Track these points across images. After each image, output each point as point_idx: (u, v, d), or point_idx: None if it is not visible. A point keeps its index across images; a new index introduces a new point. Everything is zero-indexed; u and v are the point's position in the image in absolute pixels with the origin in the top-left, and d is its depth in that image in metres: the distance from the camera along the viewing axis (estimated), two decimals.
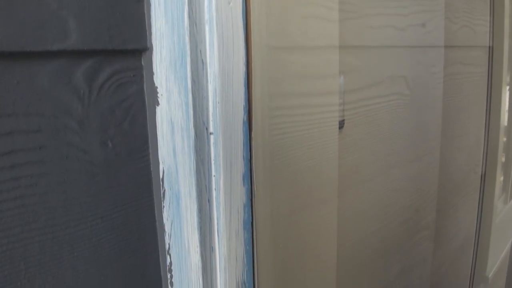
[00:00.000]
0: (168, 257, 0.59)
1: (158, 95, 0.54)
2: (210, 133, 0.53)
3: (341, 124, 0.90)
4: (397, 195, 1.08)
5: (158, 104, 0.54)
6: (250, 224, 0.59)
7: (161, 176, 0.57)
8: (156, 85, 0.54)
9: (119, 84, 0.60)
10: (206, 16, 0.51)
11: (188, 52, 0.50)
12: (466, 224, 1.53)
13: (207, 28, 0.51)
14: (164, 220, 0.58)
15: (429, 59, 1.09)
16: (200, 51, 0.51)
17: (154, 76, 0.54)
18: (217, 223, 0.56)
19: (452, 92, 1.21)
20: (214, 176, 0.54)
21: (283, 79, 0.63)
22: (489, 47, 1.44)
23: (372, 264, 1.04)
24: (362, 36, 0.90)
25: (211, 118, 0.53)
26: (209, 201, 0.55)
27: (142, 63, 0.60)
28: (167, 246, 0.58)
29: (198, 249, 0.55)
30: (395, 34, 0.96)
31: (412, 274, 1.21)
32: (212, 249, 0.56)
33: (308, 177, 0.70)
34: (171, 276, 0.59)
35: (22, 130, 0.52)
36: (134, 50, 0.60)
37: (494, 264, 1.79)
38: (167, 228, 0.58)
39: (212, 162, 0.54)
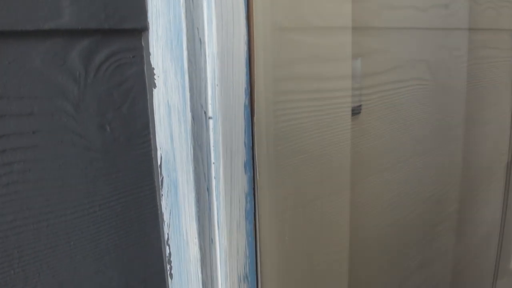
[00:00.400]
0: (167, 247, 0.56)
1: (155, 76, 0.51)
2: (209, 118, 0.50)
3: (358, 110, 0.85)
4: (417, 185, 1.03)
5: (155, 86, 0.51)
6: (253, 215, 0.55)
7: (159, 163, 0.54)
8: (153, 66, 0.51)
9: (117, 66, 0.57)
10: None
11: (184, 30, 0.46)
12: (490, 215, 1.46)
13: (205, 4, 0.47)
14: (163, 209, 0.55)
15: (452, 42, 1.03)
16: (198, 29, 0.48)
17: (151, 57, 0.51)
18: (217, 213, 0.53)
19: (476, 77, 1.15)
20: (213, 163, 0.51)
21: (291, 62, 0.59)
22: None
23: (389, 256, 1.00)
24: (381, 16, 0.85)
25: (209, 101, 0.50)
26: (208, 189, 0.52)
27: (142, 43, 0.57)
28: (166, 236, 0.56)
29: (196, 240, 0.52)
30: (416, 15, 0.91)
31: (432, 267, 1.16)
32: (211, 240, 0.53)
33: (318, 167, 0.66)
34: (171, 268, 0.56)
35: (14, 113, 0.50)
36: (133, 30, 0.57)
37: None
38: (165, 217, 0.55)
39: (211, 148, 0.51)
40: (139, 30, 0.56)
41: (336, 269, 0.74)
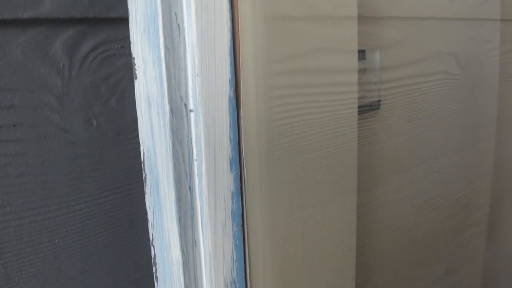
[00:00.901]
0: (152, 248, 0.53)
1: (136, 67, 0.48)
2: (190, 110, 0.47)
3: (377, 105, 0.80)
4: (443, 187, 0.96)
5: (136, 77, 0.48)
6: (240, 216, 0.51)
7: (142, 159, 0.51)
8: (133, 56, 0.48)
9: (104, 57, 0.54)
10: None
11: (160, 15, 0.43)
12: None
13: None
14: (147, 208, 0.52)
15: (483, 34, 0.95)
16: (176, 14, 0.44)
17: (132, 46, 0.48)
18: (201, 214, 0.49)
19: (509, 72, 1.06)
20: (195, 160, 0.48)
21: (290, 53, 0.55)
22: None
23: (411, 263, 0.93)
24: (404, 5, 0.79)
25: (190, 93, 0.46)
26: (190, 188, 0.48)
27: None
28: (151, 236, 0.53)
29: (177, 242, 0.48)
30: (444, 4, 0.84)
31: (459, 274, 1.08)
32: (195, 242, 0.50)
33: (325, 167, 0.61)
34: (156, 270, 0.53)
35: None
36: (121, 19, 0.54)
37: None
38: (149, 216, 0.52)
39: (193, 143, 0.47)
40: (127, 19, 0.54)
41: (341, 278, 0.69)
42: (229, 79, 0.47)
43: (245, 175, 0.51)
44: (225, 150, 0.48)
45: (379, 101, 0.80)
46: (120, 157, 0.57)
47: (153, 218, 0.52)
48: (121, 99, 0.56)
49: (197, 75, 0.45)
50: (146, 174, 0.51)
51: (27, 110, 0.50)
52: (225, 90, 0.47)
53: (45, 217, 0.53)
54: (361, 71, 0.75)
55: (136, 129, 0.56)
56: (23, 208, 0.51)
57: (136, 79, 0.48)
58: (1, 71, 0.49)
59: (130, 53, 0.55)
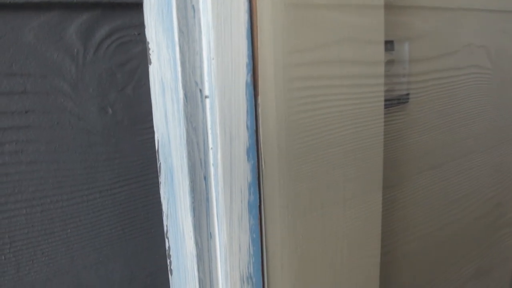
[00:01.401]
0: (166, 240, 0.51)
1: (150, 51, 0.46)
2: (206, 97, 0.45)
3: (405, 99, 0.76)
4: (474, 185, 0.92)
5: (150, 62, 0.46)
6: (257, 209, 0.49)
7: (156, 147, 0.49)
8: (148, 40, 0.46)
9: (120, 43, 0.53)
10: None
11: None
12: None
13: None
14: (162, 198, 0.50)
15: None
16: None
17: (146, 30, 0.46)
18: (216, 205, 0.47)
19: None
20: (211, 148, 0.46)
21: (312, 42, 0.52)
22: None
23: (439, 264, 0.89)
24: None
25: (206, 78, 0.44)
26: (205, 178, 0.46)
27: None
28: (165, 228, 0.51)
29: (192, 234, 0.46)
30: None
31: (490, 276, 1.04)
32: (210, 235, 0.48)
33: (341, 163, 0.58)
34: (170, 263, 0.52)
35: (5, 91, 0.47)
36: (137, 4, 0.53)
37: None
38: (164, 207, 0.50)
39: (209, 131, 0.45)
40: (142, 4, 0.52)
41: (364, 278, 0.66)
42: (246, 63, 0.45)
43: (263, 165, 0.48)
44: (242, 138, 0.46)
45: (407, 94, 0.77)
46: (136, 147, 0.55)
47: (168, 209, 0.50)
48: (138, 87, 0.54)
49: (213, 59, 0.43)
50: (160, 163, 0.49)
51: (39, 96, 0.49)
52: (242, 75, 0.45)
53: (57, 206, 0.52)
54: (389, 62, 0.72)
55: (152, 119, 0.55)
56: (34, 196, 0.50)
57: (150, 64, 0.46)
58: (14, 55, 0.47)
59: (146, 40, 0.53)
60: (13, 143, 0.49)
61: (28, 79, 0.48)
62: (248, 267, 0.50)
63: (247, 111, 0.46)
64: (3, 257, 0.50)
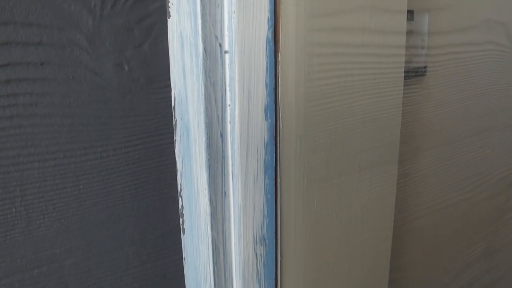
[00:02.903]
0: (180, 199, 0.51)
1: (169, 4, 0.45)
2: (225, 52, 0.44)
3: (423, 71, 0.75)
4: (487, 164, 0.91)
5: (169, 15, 0.45)
6: (273, 169, 0.48)
7: (172, 104, 0.48)
8: None
9: None
10: None
11: None
12: None
13: None
14: (176, 157, 0.50)
15: None
16: None
17: None
18: (232, 163, 0.46)
19: None
20: (229, 105, 0.45)
21: (334, 7, 0.51)
22: None
23: (449, 240, 0.89)
24: None
25: (226, 32, 0.43)
26: (222, 135, 0.45)
27: None
28: (179, 187, 0.50)
29: (206, 192, 0.46)
30: None
31: (497, 256, 1.03)
32: (225, 194, 0.47)
33: (359, 133, 0.58)
34: (183, 222, 0.51)
35: (20, 41, 0.47)
36: None
37: None
38: (178, 166, 0.50)
39: (227, 87, 0.44)
40: None
41: (376, 249, 0.65)
42: (268, 18, 0.44)
43: (281, 126, 0.47)
44: (260, 96, 0.45)
45: (425, 67, 0.75)
46: (151, 105, 0.54)
47: (182, 167, 0.49)
48: (155, 45, 0.53)
49: (234, 12, 0.42)
50: (176, 121, 0.48)
51: (56, 49, 0.48)
52: (263, 30, 0.44)
53: (70, 161, 0.51)
54: (408, 33, 0.71)
55: (169, 78, 0.54)
56: (48, 150, 0.50)
57: (169, 18, 0.45)
58: (30, 5, 0.47)
59: None
60: (28, 95, 0.48)
61: (45, 30, 0.47)
62: (262, 228, 0.49)
63: (267, 68, 0.45)
64: (13, 210, 0.49)
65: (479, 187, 0.91)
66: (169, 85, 0.54)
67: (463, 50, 0.79)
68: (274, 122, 0.47)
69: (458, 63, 0.79)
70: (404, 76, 0.70)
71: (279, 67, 0.46)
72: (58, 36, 0.48)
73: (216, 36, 0.43)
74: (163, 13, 0.53)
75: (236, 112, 0.44)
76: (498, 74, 0.88)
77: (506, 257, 1.07)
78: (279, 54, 0.45)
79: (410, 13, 0.71)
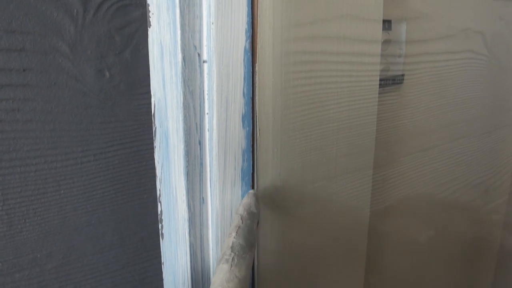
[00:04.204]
0: (159, 204, 0.52)
1: (150, 14, 0.46)
2: (204, 61, 0.45)
3: (400, 80, 0.77)
4: (463, 170, 0.93)
5: (150, 25, 0.47)
6: (250, 176, 0.50)
7: (152, 111, 0.49)
8: (148, 2, 0.46)
9: (120, 6, 0.53)
10: None
11: None
12: None
13: None
14: (156, 163, 0.51)
15: None
16: None
17: None
18: (210, 170, 0.48)
19: None
20: (207, 113, 0.46)
21: (311, 17, 0.52)
22: None
23: (425, 245, 0.91)
24: None
25: (204, 42, 0.44)
26: (200, 142, 0.47)
27: None
28: (158, 192, 0.51)
29: (184, 198, 0.47)
30: None
31: (474, 263, 1.05)
32: (203, 200, 0.48)
33: (334, 140, 0.59)
34: (162, 227, 0.52)
35: (3, 47, 0.47)
36: None
37: None
38: (158, 171, 0.51)
39: (205, 96, 0.46)
40: None
41: (352, 251, 0.67)
42: (246, 30, 0.45)
43: (258, 134, 0.49)
44: (238, 104, 0.46)
45: (402, 75, 0.77)
46: (132, 112, 0.55)
47: (161, 173, 0.50)
48: (136, 52, 0.54)
49: (212, 23, 0.43)
50: (156, 128, 0.49)
51: (38, 55, 0.49)
52: (241, 41, 0.45)
53: (51, 167, 0.52)
54: (386, 42, 0.72)
55: (149, 85, 0.55)
56: (29, 156, 0.50)
57: (149, 27, 0.47)
58: (13, 12, 0.47)
59: (146, 4, 0.53)
60: (10, 100, 0.49)
61: (27, 37, 0.48)
62: None
63: (244, 78, 0.46)
64: None
65: (455, 192, 0.93)
66: (149, 92, 0.55)
67: (441, 59, 0.81)
68: (251, 130, 0.48)
69: (435, 71, 0.81)
70: (382, 84, 0.72)
71: (257, 77, 0.47)
72: (41, 43, 0.49)
73: (195, 46, 0.44)
74: (144, 22, 0.54)
75: (214, 120, 0.46)
76: (475, 82, 0.90)
77: (482, 265, 1.09)
78: (257, 64, 0.47)
79: (388, 22, 0.73)
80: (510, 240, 1.16)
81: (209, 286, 0.50)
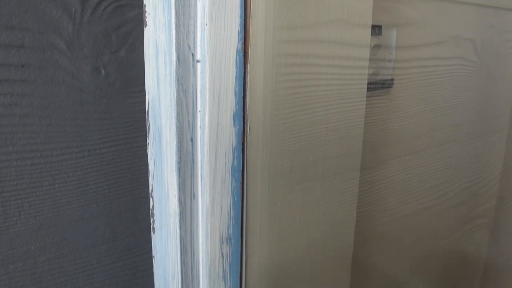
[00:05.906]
0: (151, 199, 0.53)
1: (146, 14, 0.48)
2: (197, 61, 0.46)
3: (389, 84, 0.79)
4: (452, 173, 0.95)
5: (146, 24, 0.48)
6: (240, 172, 0.51)
7: (146, 108, 0.51)
8: (144, 3, 0.48)
9: (117, 6, 0.54)
10: None
11: None
12: None
13: None
14: (149, 159, 0.52)
15: (503, 23, 0.93)
16: None
17: None
18: (201, 166, 0.49)
19: None
20: (199, 111, 0.48)
21: (302, 21, 0.54)
22: None
23: (411, 248, 0.92)
24: None
25: (198, 43, 0.46)
26: (192, 139, 0.48)
27: None
28: (150, 187, 0.53)
29: (176, 193, 0.48)
30: None
31: (460, 266, 1.07)
32: (193, 195, 0.50)
33: (323, 141, 0.61)
34: (153, 221, 0.54)
35: (3, 43, 0.49)
36: None
37: None
38: (150, 167, 0.52)
39: (198, 94, 0.47)
40: None
41: (339, 253, 0.68)
42: (238, 31, 0.47)
43: (248, 132, 0.50)
44: (230, 103, 0.48)
45: (392, 79, 0.79)
46: (126, 109, 0.57)
47: (154, 169, 0.52)
48: (131, 51, 0.56)
49: (206, 24, 0.45)
50: (149, 124, 0.51)
51: (36, 52, 0.50)
52: (233, 42, 0.47)
53: (47, 161, 0.53)
54: (376, 47, 0.74)
55: (143, 83, 0.56)
56: (25, 149, 0.52)
57: (145, 27, 0.48)
58: (13, 9, 0.49)
59: (143, 6, 0.55)
60: (8, 95, 0.50)
61: (26, 34, 0.50)
62: (228, 229, 0.52)
63: (236, 78, 0.48)
64: None
65: (443, 196, 0.95)
66: (144, 90, 0.56)
67: (431, 64, 0.83)
68: (242, 128, 0.50)
69: (425, 76, 0.83)
70: (371, 88, 0.73)
71: (248, 77, 0.49)
72: (39, 40, 0.50)
73: (189, 46, 0.46)
74: (140, 22, 0.56)
75: (206, 118, 0.47)
76: (465, 89, 0.92)
77: (468, 268, 1.11)
78: (248, 65, 0.48)
79: (379, 28, 0.75)
80: (498, 246, 1.18)
81: (198, 278, 0.52)
